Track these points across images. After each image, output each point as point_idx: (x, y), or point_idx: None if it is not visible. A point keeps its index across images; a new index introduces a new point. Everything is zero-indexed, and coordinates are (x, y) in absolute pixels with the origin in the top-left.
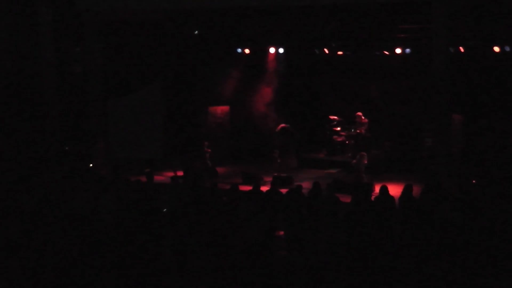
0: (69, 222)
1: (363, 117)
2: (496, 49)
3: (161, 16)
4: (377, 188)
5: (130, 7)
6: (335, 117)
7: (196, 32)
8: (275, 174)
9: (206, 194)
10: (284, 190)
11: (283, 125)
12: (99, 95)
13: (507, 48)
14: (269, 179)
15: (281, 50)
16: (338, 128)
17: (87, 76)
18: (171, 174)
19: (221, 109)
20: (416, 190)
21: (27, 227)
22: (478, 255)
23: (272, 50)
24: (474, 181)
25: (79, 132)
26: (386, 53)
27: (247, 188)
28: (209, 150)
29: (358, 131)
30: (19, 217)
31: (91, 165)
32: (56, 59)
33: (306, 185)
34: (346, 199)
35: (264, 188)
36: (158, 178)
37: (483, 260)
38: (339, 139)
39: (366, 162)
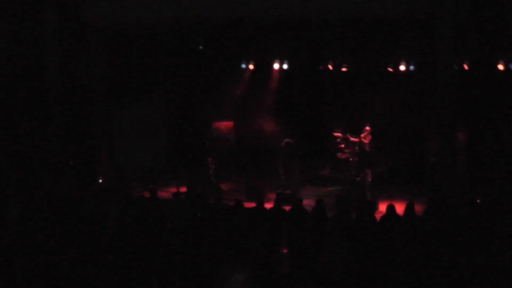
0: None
1: (369, 133)
2: (501, 67)
3: (166, 29)
4: (381, 206)
5: (136, 20)
6: (339, 134)
7: (201, 47)
8: (279, 191)
9: (209, 210)
10: (287, 207)
11: (287, 140)
12: (104, 106)
13: (511, 66)
14: (272, 196)
15: (285, 66)
16: (342, 145)
17: (92, 87)
18: (174, 190)
19: (225, 125)
20: (420, 208)
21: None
22: (483, 273)
23: (276, 65)
24: (478, 201)
25: (83, 143)
26: (390, 69)
27: (251, 204)
28: (213, 166)
29: (362, 148)
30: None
31: (100, 180)
32: (61, 70)
33: (310, 202)
34: (349, 216)
35: (268, 205)
36: (161, 194)
37: (488, 277)
38: (343, 156)
39: (370, 179)
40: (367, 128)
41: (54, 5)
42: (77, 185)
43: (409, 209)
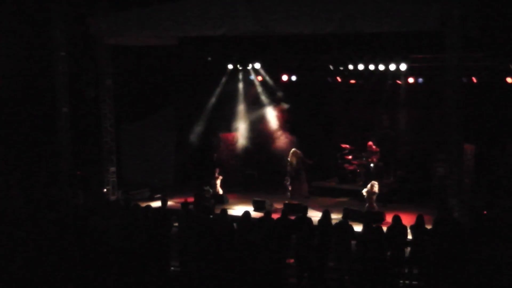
0: (79, 244)
1: (374, 146)
2: (509, 80)
3: (174, 41)
4: (388, 217)
5: (143, 33)
6: (347, 146)
7: (209, 58)
8: (286, 201)
9: (216, 221)
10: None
11: (294, 150)
12: (112, 120)
13: None
14: (280, 206)
15: (294, 78)
16: (350, 157)
17: (100, 100)
18: (181, 200)
19: (233, 136)
20: (427, 219)
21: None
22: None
23: (285, 77)
24: (485, 212)
25: (91, 157)
26: (399, 82)
27: (258, 215)
28: (221, 176)
29: (369, 159)
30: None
31: (105, 190)
32: (69, 84)
33: (317, 213)
34: (357, 227)
35: (275, 216)
36: (168, 204)
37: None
38: (351, 168)
39: (377, 191)
40: (370, 143)
41: (62, 21)
42: (84, 194)
43: (419, 221)
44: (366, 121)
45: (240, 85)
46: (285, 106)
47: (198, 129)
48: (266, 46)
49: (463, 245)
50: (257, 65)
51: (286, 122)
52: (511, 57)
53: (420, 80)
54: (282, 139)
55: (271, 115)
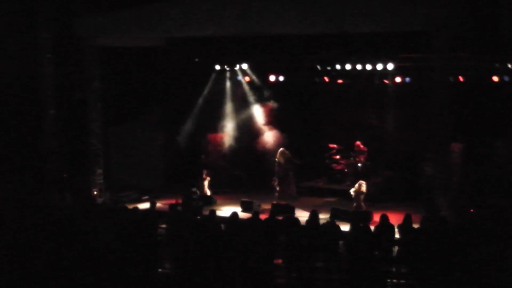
0: (65, 248)
1: (362, 146)
2: (495, 78)
3: (161, 43)
4: (376, 217)
5: (130, 34)
6: (335, 145)
7: (196, 59)
8: (274, 202)
9: (204, 222)
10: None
11: (282, 149)
12: (99, 122)
13: (506, 78)
14: (268, 207)
15: (281, 78)
16: (338, 156)
17: (87, 102)
18: (169, 201)
19: (221, 137)
20: (415, 218)
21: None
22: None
23: (272, 78)
24: (472, 210)
25: (79, 159)
26: (386, 82)
27: (246, 216)
28: (208, 177)
29: (357, 159)
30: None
31: (95, 192)
32: (56, 86)
33: (305, 213)
34: (345, 227)
35: (263, 216)
36: (156, 206)
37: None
38: (338, 167)
39: (365, 190)
40: (357, 143)
41: (48, 23)
42: (71, 197)
43: (407, 220)
44: (354, 121)
45: (228, 86)
46: (273, 104)
47: (185, 130)
48: (253, 46)
49: (450, 243)
50: (245, 66)
51: (274, 120)
52: (497, 56)
53: (408, 79)
54: (270, 136)
55: (259, 115)
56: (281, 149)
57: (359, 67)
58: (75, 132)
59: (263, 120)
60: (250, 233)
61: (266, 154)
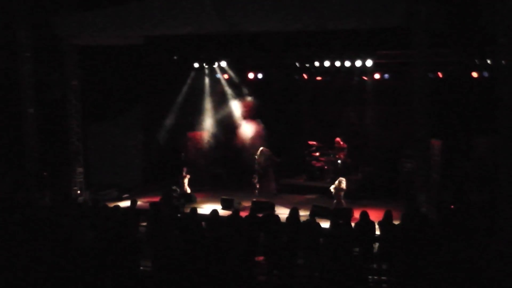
0: (46, 247)
1: (341, 142)
2: (475, 74)
3: (140, 41)
4: (356, 213)
5: (109, 33)
6: (314, 143)
7: (175, 57)
8: (254, 199)
9: (185, 220)
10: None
11: (262, 148)
12: (79, 120)
13: (486, 74)
14: (248, 204)
15: (260, 76)
16: (317, 154)
17: (66, 101)
18: (150, 199)
19: (201, 135)
20: (395, 215)
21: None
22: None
23: (251, 75)
24: (452, 206)
25: (58, 158)
26: (365, 78)
27: (227, 213)
28: (188, 175)
29: (337, 156)
30: None
31: (76, 191)
32: (35, 85)
33: (285, 210)
34: (325, 224)
35: (244, 214)
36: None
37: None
38: (318, 164)
39: (345, 187)
40: (337, 139)
41: (28, 21)
42: (51, 196)
43: (387, 217)
44: (334, 118)
45: (207, 83)
46: (252, 99)
47: (165, 128)
48: (232, 44)
49: (431, 239)
50: (223, 63)
51: (253, 114)
52: (477, 52)
53: (387, 76)
54: (249, 130)
55: (238, 111)
56: (261, 148)
57: (338, 64)
58: (54, 131)
59: (242, 115)
60: (230, 230)
61: (246, 151)
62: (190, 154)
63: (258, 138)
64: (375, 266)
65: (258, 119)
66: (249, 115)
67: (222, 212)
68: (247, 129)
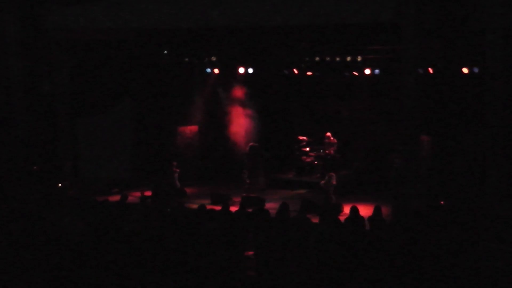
0: (36, 242)
1: (332, 138)
2: (465, 70)
3: (130, 35)
4: (346, 209)
5: (99, 26)
6: (304, 138)
7: (165, 51)
8: (244, 194)
9: (174, 214)
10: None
11: (252, 144)
12: (68, 114)
13: (476, 70)
14: (238, 199)
15: (250, 70)
16: (307, 149)
17: (55, 95)
18: (139, 194)
19: (190, 129)
20: (385, 210)
21: None
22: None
23: (241, 70)
24: (442, 202)
25: (47, 152)
26: (356, 73)
27: (216, 208)
28: (178, 170)
29: (327, 151)
30: None
31: (60, 184)
32: (24, 78)
33: (275, 205)
34: (314, 219)
35: (233, 209)
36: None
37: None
38: (308, 160)
39: (334, 182)
40: (328, 134)
41: (16, 15)
42: (40, 190)
43: (376, 212)
44: (324, 113)
45: (197, 78)
46: (241, 94)
47: (154, 122)
48: (222, 38)
49: (420, 235)
50: (214, 58)
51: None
52: (467, 48)
53: (377, 71)
54: (239, 124)
55: (228, 106)
56: (251, 143)
57: (328, 59)
58: (44, 125)
59: (232, 110)
60: (220, 225)
61: (236, 146)
62: (179, 149)
63: (248, 133)
64: (364, 261)
65: (248, 114)
66: (239, 110)
67: (212, 207)
68: (237, 124)
